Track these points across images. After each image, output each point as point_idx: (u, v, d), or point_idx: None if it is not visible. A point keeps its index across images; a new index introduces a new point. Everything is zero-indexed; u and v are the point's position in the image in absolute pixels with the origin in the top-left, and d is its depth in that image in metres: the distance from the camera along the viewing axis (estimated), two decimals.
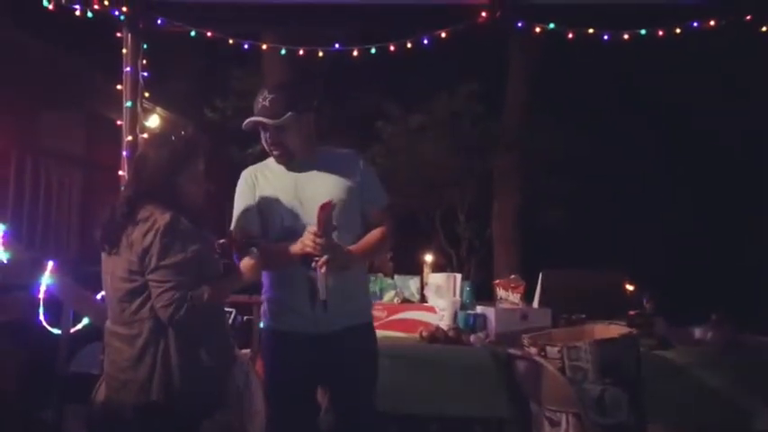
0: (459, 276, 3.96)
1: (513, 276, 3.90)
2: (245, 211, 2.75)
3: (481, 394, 3.25)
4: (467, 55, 8.12)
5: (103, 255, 2.55)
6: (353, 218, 2.77)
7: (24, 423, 4.41)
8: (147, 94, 4.68)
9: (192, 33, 4.60)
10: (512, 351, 3.08)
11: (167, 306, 2.36)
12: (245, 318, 4.22)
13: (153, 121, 5.89)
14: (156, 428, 2.47)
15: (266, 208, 2.73)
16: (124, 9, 4.49)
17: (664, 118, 9.92)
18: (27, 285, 4.52)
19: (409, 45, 4.60)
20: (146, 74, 4.63)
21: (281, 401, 2.76)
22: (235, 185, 2.84)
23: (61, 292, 4.45)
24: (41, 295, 4.41)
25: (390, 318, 3.76)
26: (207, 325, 2.50)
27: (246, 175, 2.83)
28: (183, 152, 2.53)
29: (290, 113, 2.66)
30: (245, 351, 3.78)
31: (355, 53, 4.69)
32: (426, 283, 4.02)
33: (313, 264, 2.58)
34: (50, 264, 4.43)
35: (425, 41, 4.56)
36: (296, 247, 2.61)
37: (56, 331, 4.47)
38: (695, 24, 4.41)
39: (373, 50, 4.64)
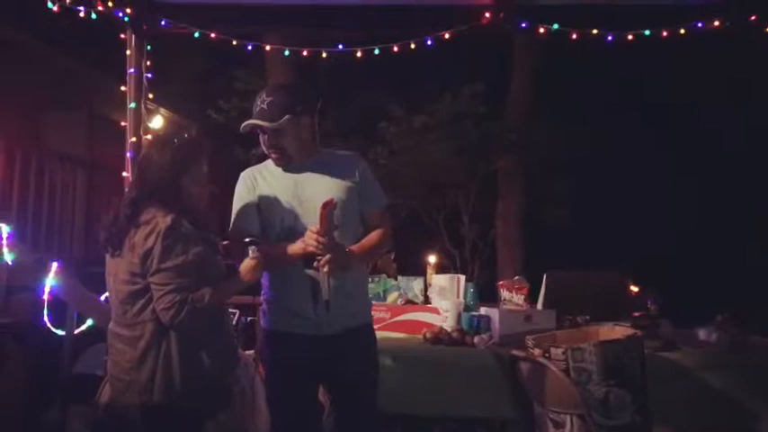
0: (462, 278, 3.95)
1: (516, 277, 3.89)
2: (245, 212, 2.75)
3: (485, 396, 3.24)
4: (470, 56, 8.12)
5: (107, 256, 2.56)
6: (353, 219, 2.77)
7: (28, 424, 4.42)
8: (150, 96, 4.69)
9: (196, 35, 4.61)
10: (515, 352, 3.07)
11: (168, 309, 2.37)
12: (248, 319, 4.22)
13: (157, 123, 5.91)
14: (158, 430, 2.47)
15: (266, 209, 2.73)
16: (128, 10, 4.50)
17: (668, 117, 9.91)
18: (31, 286, 4.53)
19: (413, 46, 4.61)
20: (150, 75, 4.64)
21: (282, 403, 2.76)
22: None
23: (65, 294, 4.46)
24: (46, 296, 4.42)
25: (394, 319, 3.75)
26: (209, 327, 2.50)
27: (245, 176, 2.83)
28: (185, 154, 2.54)
29: (287, 117, 2.66)
30: (248, 352, 3.78)
31: (359, 54, 4.69)
32: (430, 285, 4.01)
33: (315, 263, 2.58)
34: (54, 265, 4.44)
35: (429, 42, 4.56)
36: (297, 247, 2.62)
37: (60, 332, 4.48)
38: (699, 25, 4.40)
39: (377, 51, 4.64)
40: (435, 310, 3.75)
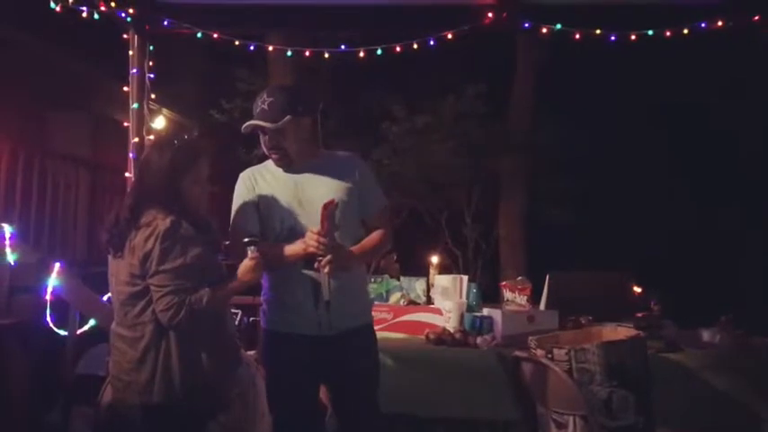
0: (465, 278, 3.95)
1: (519, 278, 3.88)
2: (245, 213, 2.75)
3: (488, 396, 3.24)
4: (473, 56, 8.11)
5: (109, 257, 2.56)
6: (352, 220, 2.77)
7: (31, 425, 4.42)
8: (153, 96, 4.69)
9: (199, 35, 4.61)
10: (518, 353, 3.07)
11: (166, 310, 2.39)
12: (251, 319, 4.22)
13: (159, 123, 5.91)
14: (159, 430, 2.48)
15: (266, 209, 2.73)
16: (131, 11, 4.50)
17: (672, 117, 9.89)
18: (34, 287, 4.53)
19: (415, 46, 4.60)
20: (152, 75, 4.65)
21: (282, 403, 2.75)
22: None
23: (68, 294, 4.45)
24: (48, 297, 4.42)
25: (396, 320, 3.75)
26: (208, 328, 2.50)
27: (245, 176, 2.83)
28: (185, 156, 2.54)
29: (288, 117, 2.65)
30: (251, 352, 3.78)
31: (361, 54, 4.69)
32: (433, 285, 4.01)
33: (315, 264, 2.57)
34: (57, 265, 4.44)
35: (432, 42, 4.56)
36: (297, 248, 2.62)
37: (63, 333, 4.48)
38: (703, 25, 4.40)
39: (379, 51, 4.64)
40: (438, 311, 3.75)
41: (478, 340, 3.45)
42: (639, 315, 3.51)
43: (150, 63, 4.64)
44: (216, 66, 9.29)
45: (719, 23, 4.40)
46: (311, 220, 2.60)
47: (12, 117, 6.29)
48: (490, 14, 4.45)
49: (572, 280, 3.90)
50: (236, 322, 3.92)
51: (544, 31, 4.50)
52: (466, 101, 8.91)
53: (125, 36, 4.62)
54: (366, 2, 4.69)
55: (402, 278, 4.04)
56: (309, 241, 2.56)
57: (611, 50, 4.84)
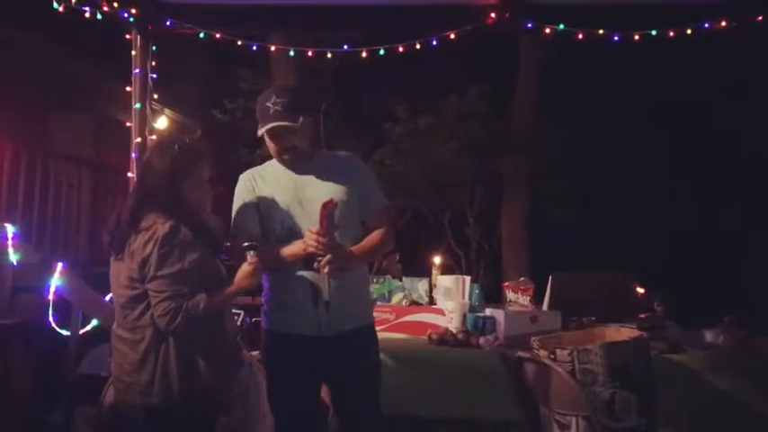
0: (468, 279, 3.94)
1: (522, 279, 3.88)
2: (245, 214, 2.74)
3: (490, 397, 3.23)
4: (476, 56, 8.10)
5: (111, 258, 2.57)
6: (352, 220, 2.77)
7: (34, 425, 4.42)
8: (156, 96, 4.69)
9: (201, 35, 4.61)
10: (521, 354, 3.06)
11: (163, 315, 2.40)
12: (253, 319, 4.21)
13: (162, 123, 5.90)
14: (160, 431, 2.48)
15: (266, 210, 2.73)
16: (133, 11, 4.50)
17: (675, 117, 9.87)
18: (37, 287, 4.54)
19: (418, 46, 4.60)
20: (155, 76, 4.64)
21: (283, 403, 2.75)
22: None
23: (70, 294, 4.46)
24: (51, 297, 4.43)
25: (399, 320, 3.75)
26: (207, 332, 2.51)
27: (245, 177, 2.82)
28: (185, 160, 2.53)
29: (302, 117, 2.67)
30: (254, 353, 3.77)
31: (364, 54, 4.68)
32: (435, 286, 4.01)
33: (315, 264, 2.57)
34: (60, 265, 4.45)
35: (434, 43, 4.55)
36: (297, 248, 2.62)
37: (65, 333, 4.48)
38: (706, 25, 4.39)
39: (382, 52, 4.63)
40: (440, 312, 3.74)
41: (481, 341, 3.44)
42: (642, 316, 3.51)
43: (153, 63, 4.64)
44: (218, 66, 9.30)
45: (723, 24, 4.39)
46: (311, 221, 2.60)
47: (14, 117, 6.29)
48: (493, 14, 4.44)
49: (575, 280, 3.89)
50: (239, 323, 3.92)
51: (547, 31, 4.49)
52: (469, 101, 8.91)
53: (128, 36, 4.62)
54: (367, 2, 4.69)
55: (404, 279, 4.04)
56: (308, 241, 2.56)
57: (614, 51, 4.84)
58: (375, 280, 3.95)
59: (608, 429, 2.76)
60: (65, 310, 4.53)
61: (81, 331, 4.50)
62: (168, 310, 2.39)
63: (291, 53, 5.08)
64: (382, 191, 2.89)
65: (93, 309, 4.47)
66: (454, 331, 3.54)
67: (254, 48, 4.84)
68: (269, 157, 2.87)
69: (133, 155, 4.56)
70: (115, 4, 4.43)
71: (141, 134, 4.57)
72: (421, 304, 3.90)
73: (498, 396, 3.21)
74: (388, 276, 4.04)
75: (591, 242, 8.76)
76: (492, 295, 4.22)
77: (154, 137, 4.60)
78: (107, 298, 4.16)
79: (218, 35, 4.64)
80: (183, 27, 4.57)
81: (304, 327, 2.67)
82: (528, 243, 9.24)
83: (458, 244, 9.30)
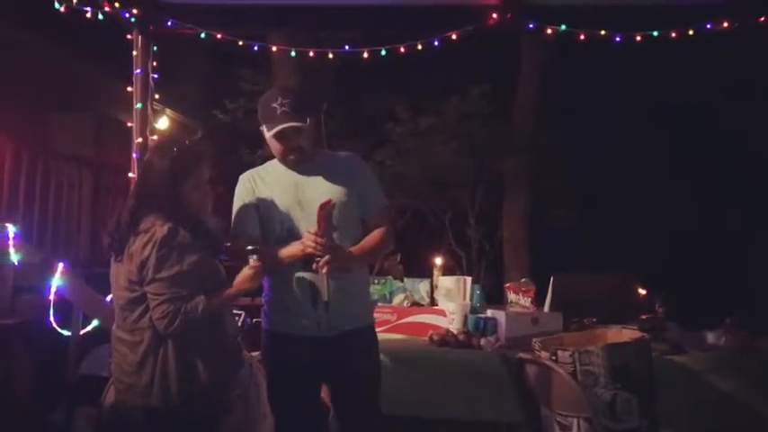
0: (469, 279, 3.94)
1: (523, 280, 3.87)
2: (245, 215, 2.74)
3: (491, 398, 3.22)
4: (477, 56, 8.09)
5: (112, 260, 2.57)
6: (352, 220, 2.77)
7: (34, 425, 4.42)
8: (157, 96, 4.69)
9: (202, 35, 4.61)
10: (522, 355, 3.06)
11: (162, 319, 2.40)
12: (254, 320, 4.21)
13: (163, 123, 5.91)
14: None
15: (266, 211, 2.73)
16: (135, 11, 4.50)
17: (677, 118, 9.87)
18: (37, 287, 4.54)
19: (420, 47, 4.59)
20: (156, 76, 4.64)
21: (284, 404, 2.75)
22: None
23: (71, 294, 4.46)
24: (52, 297, 4.43)
25: (400, 321, 3.74)
26: (206, 334, 2.50)
27: (245, 178, 2.82)
28: (185, 162, 2.53)
29: (309, 117, 2.68)
30: (254, 353, 3.77)
31: (365, 55, 4.68)
32: (436, 287, 4.00)
33: (314, 265, 2.57)
34: (61, 265, 4.45)
35: (436, 43, 4.55)
36: (296, 249, 2.62)
37: (66, 333, 4.49)
38: (708, 26, 4.38)
39: (383, 52, 4.63)
40: (442, 312, 3.74)
41: (482, 342, 3.43)
42: (644, 317, 3.50)
43: (154, 63, 4.64)
44: (219, 66, 9.31)
45: (725, 24, 4.38)
46: (311, 222, 2.60)
47: (15, 117, 6.29)
48: (494, 15, 4.44)
49: (576, 282, 3.89)
50: (240, 323, 3.92)
51: (549, 31, 4.48)
52: (470, 101, 8.91)
53: (129, 36, 4.62)
54: (369, 2, 4.68)
55: (405, 279, 4.03)
56: (307, 242, 2.56)
57: (615, 51, 4.83)
58: (376, 281, 3.95)
59: (609, 431, 2.76)
60: (66, 310, 4.53)
61: (82, 331, 4.51)
62: (167, 313, 2.39)
63: (293, 53, 5.07)
64: (383, 191, 2.89)
65: (94, 309, 4.47)
66: (455, 332, 3.54)
67: (256, 48, 4.84)
68: (270, 158, 2.87)
69: (134, 155, 4.56)
70: (116, 5, 4.43)
71: (142, 134, 4.57)
72: (422, 305, 3.89)
73: (499, 397, 3.20)
74: (390, 277, 4.04)
75: (592, 242, 8.76)
76: (493, 296, 4.21)
77: (155, 137, 4.60)
78: (108, 298, 4.16)
79: (219, 35, 4.64)
80: (185, 27, 4.57)
81: (304, 327, 2.67)
82: (529, 243, 9.23)
83: (459, 244, 9.30)
